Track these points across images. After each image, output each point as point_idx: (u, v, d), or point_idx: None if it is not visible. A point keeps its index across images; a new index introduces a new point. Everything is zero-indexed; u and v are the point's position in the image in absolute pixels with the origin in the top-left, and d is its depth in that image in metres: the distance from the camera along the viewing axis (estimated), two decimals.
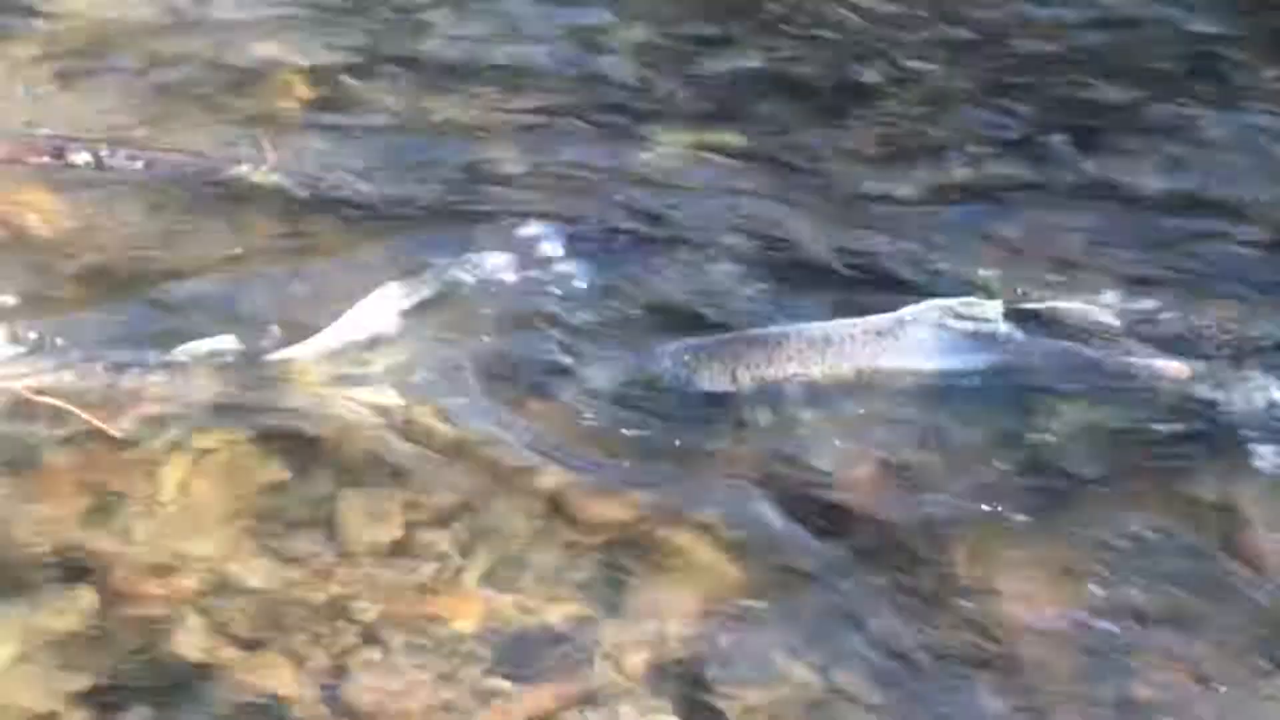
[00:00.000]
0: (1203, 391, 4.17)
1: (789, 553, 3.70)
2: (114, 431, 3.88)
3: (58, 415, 3.92)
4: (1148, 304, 4.47)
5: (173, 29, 5.73)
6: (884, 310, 4.25)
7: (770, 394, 4.08)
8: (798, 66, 5.69)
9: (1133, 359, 4.09)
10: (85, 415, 3.91)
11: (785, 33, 5.85)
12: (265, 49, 5.63)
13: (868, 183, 5.07)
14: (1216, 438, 4.06)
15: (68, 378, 4.06)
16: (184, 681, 3.36)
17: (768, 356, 4.07)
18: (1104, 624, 3.55)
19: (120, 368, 4.11)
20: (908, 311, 4.14)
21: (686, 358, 4.12)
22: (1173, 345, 4.30)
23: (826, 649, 3.46)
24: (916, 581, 3.64)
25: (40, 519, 3.69)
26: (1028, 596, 3.61)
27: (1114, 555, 3.71)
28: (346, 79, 5.50)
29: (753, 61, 5.70)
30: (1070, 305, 4.38)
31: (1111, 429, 4.06)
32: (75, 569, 3.57)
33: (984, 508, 3.81)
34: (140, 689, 3.33)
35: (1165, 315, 4.44)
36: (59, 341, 4.20)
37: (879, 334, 4.08)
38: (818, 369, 4.07)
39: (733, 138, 5.27)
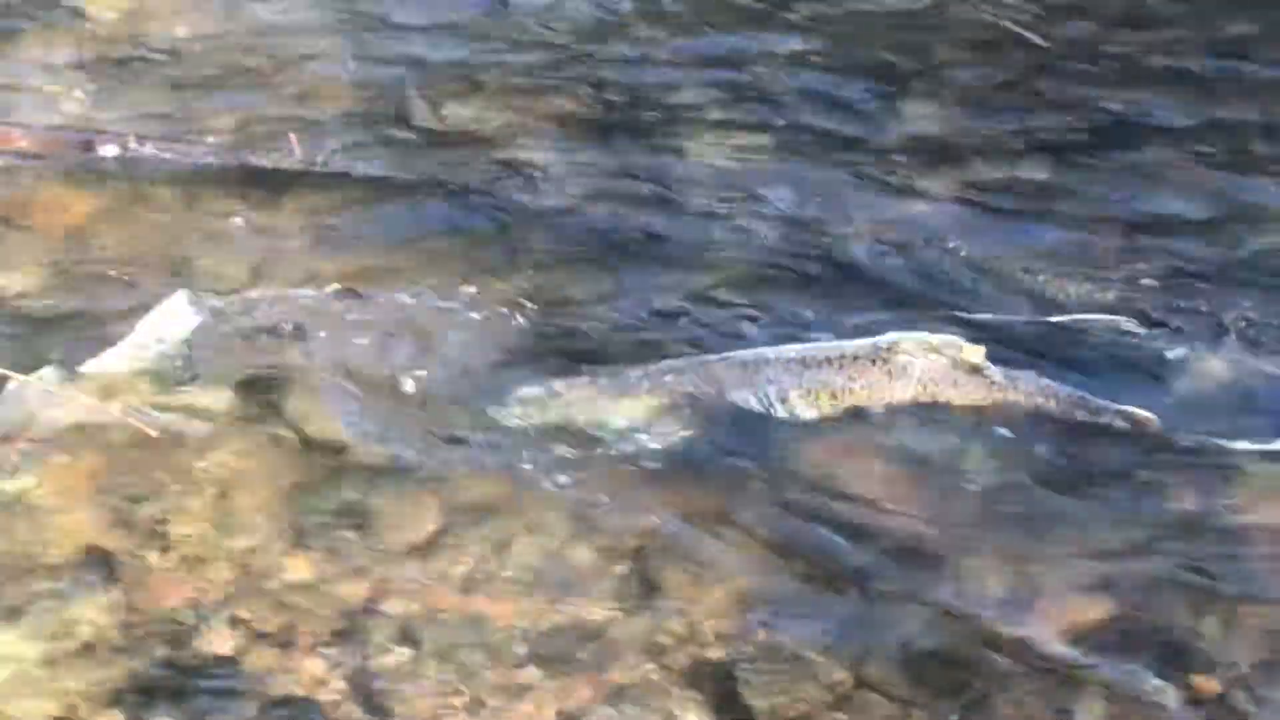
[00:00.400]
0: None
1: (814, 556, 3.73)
2: (151, 430, 3.88)
3: (90, 411, 3.92)
4: (1171, 309, 4.49)
5: (202, 24, 5.74)
6: (899, 317, 4.33)
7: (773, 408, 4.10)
8: (831, 63, 5.69)
9: (1107, 404, 4.09)
10: (118, 412, 3.90)
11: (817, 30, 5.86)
12: (294, 45, 5.64)
13: (898, 182, 5.08)
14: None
15: (101, 372, 4.06)
16: (214, 680, 3.37)
17: (748, 376, 4.10)
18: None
19: (153, 362, 4.11)
20: (885, 339, 4.16)
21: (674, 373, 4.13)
22: (1195, 350, 4.32)
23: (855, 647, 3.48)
24: (937, 584, 3.66)
25: (71, 517, 3.70)
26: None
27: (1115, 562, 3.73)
28: (375, 77, 5.51)
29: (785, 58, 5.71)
30: (1092, 317, 4.41)
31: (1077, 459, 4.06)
32: (105, 568, 3.58)
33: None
34: (170, 688, 3.35)
35: (1189, 320, 4.45)
36: (93, 335, 4.22)
37: (855, 359, 4.10)
38: (795, 391, 4.08)
39: (763, 137, 5.28)
